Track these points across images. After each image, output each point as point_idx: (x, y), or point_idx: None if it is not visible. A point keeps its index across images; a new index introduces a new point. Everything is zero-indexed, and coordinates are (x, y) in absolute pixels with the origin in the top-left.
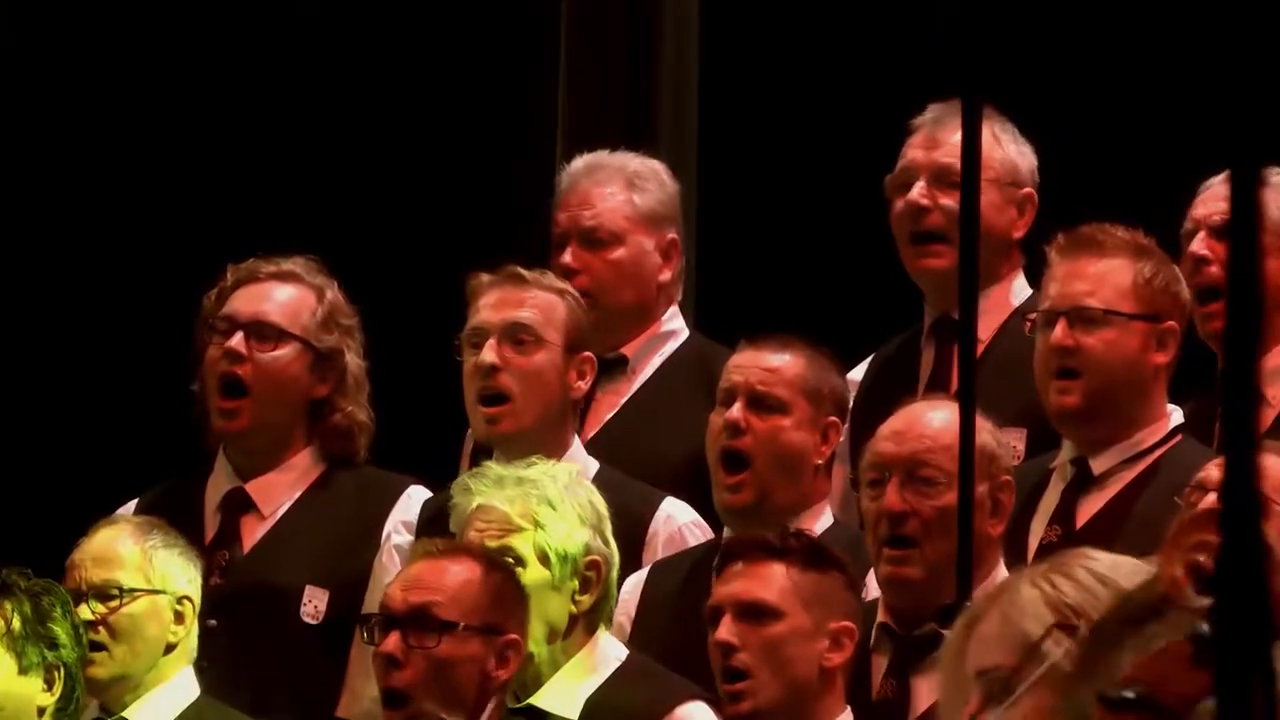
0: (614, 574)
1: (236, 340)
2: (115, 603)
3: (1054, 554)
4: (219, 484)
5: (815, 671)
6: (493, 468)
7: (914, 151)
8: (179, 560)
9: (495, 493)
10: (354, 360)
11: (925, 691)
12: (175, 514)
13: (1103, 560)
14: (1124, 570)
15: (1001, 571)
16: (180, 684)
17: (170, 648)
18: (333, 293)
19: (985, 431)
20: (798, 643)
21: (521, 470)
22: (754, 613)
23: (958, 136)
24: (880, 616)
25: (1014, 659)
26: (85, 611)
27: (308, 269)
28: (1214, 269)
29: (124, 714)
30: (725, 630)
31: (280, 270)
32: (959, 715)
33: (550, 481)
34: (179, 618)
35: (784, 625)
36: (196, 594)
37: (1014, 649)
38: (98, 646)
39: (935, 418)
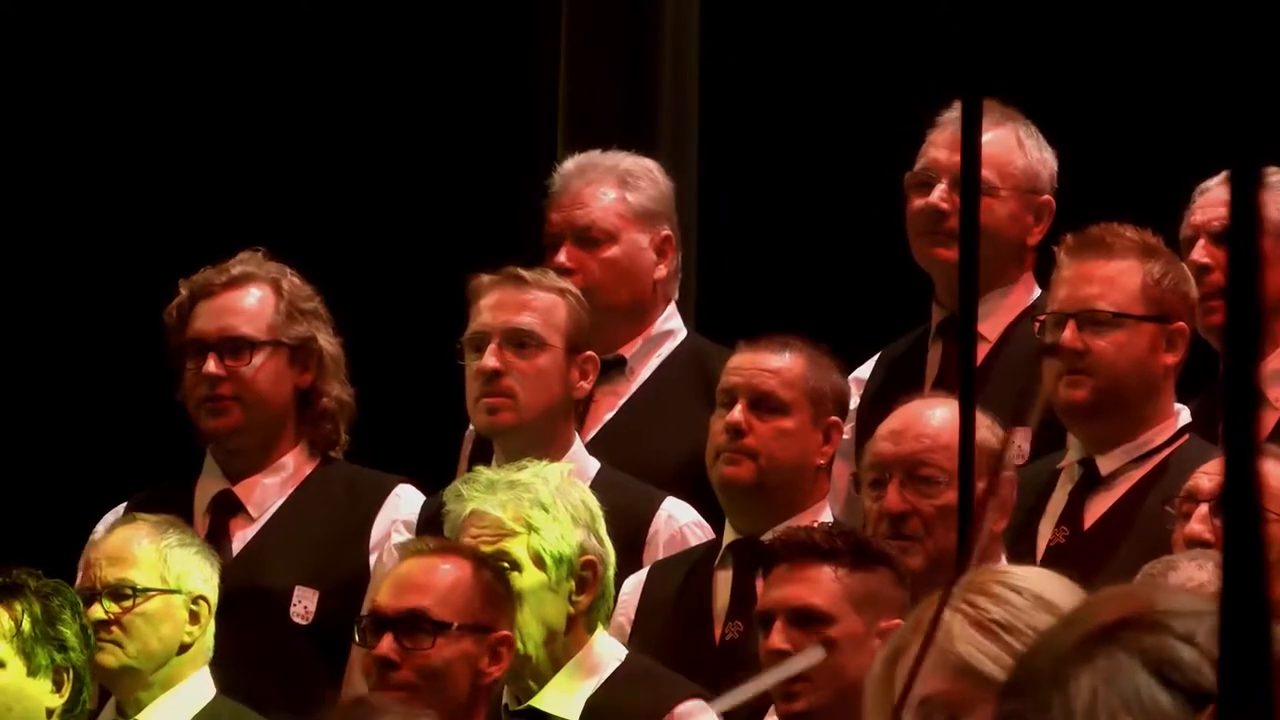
0: (610, 573)
1: (210, 365)
2: (129, 602)
3: (963, 579)
4: (207, 486)
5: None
6: (484, 473)
7: (937, 151)
8: (195, 559)
9: (487, 498)
10: (326, 340)
11: None
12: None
13: (1013, 571)
14: (1034, 579)
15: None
16: (196, 684)
17: (185, 648)
18: (288, 280)
19: (984, 428)
20: (851, 647)
21: (513, 474)
22: (805, 618)
23: (985, 139)
24: None
25: (952, 684)
26: (99, 610)
27: (258, 263)
28: (1217, 276)
29: (140, 715)
30: (778, 638)
31: (233, 276)
32: None
33: (542, 484)
34: (194, 618)
35: (836, 630)
36: (213, 594)
37: (952, 675)
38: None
39: (934, 416)
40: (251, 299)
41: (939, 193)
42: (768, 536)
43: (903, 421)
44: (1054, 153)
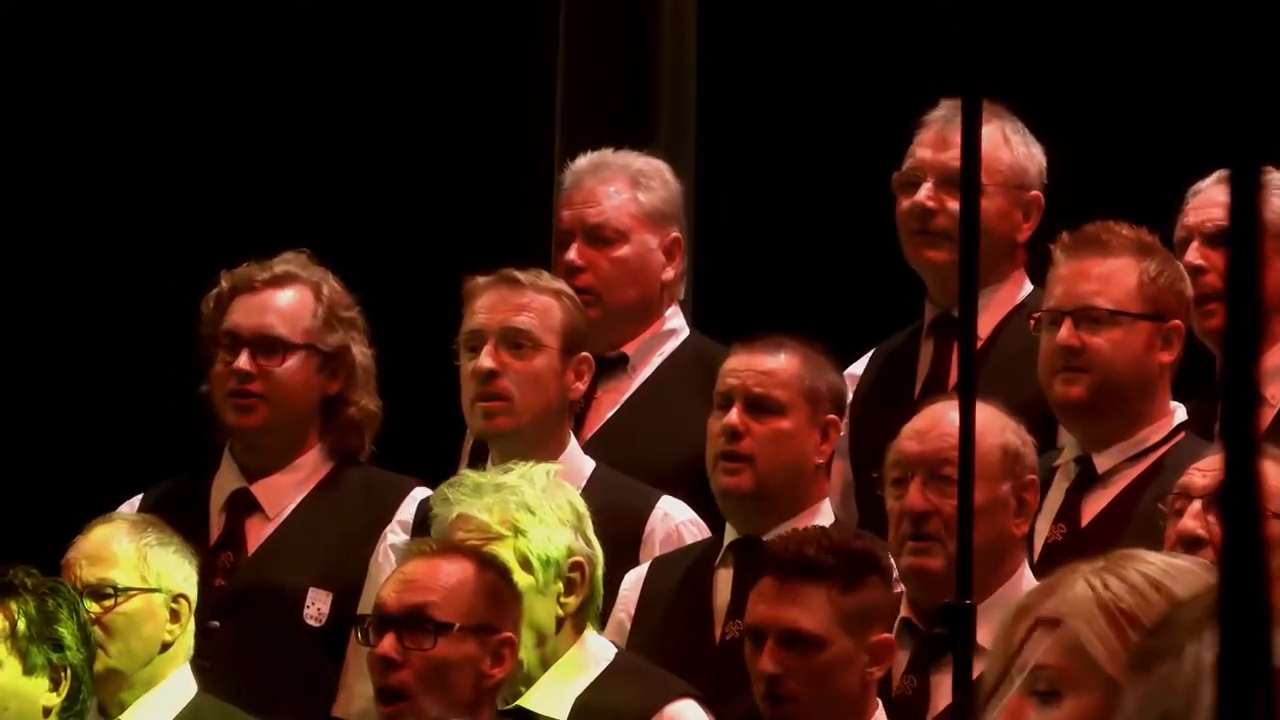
0: (599, 573)
1: (243, 360)
2: (110, 602)
3: (1111, 552)
4: (224, 484)
5: (858, 686)
6: (470, 476)
7: (923, 151)
8: (174, 558)
9: (473, 501)
10: (360, 351)
11: (945, 689)
12: (179, 513)
13: (1157, 564)
14: (1179, 576)
15: (1026, 570)
16: (177, 683)
17: (166, 646)
18: (329, 286)
19: (1010, 431)
20: (842, 667)
21: (499, 477)
22: (797, 641)
23: None
24: (902, 611)
25: (1061, 660)
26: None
27: (301, 265)
28: (1211, 277)
29: (122, 716)
30: (769, 662)
31: (275, 275)
32: (998, 693)
33: (528, 486)
34: (175, 616)
35: (829, 654)
36: (193, 592)
37: (1063, 650)
38: None
39: (958, 417)
40: (291, 300)
41: (925, 191)
42: (769, 536)
43: (927, 421)
44: (1042, 149)
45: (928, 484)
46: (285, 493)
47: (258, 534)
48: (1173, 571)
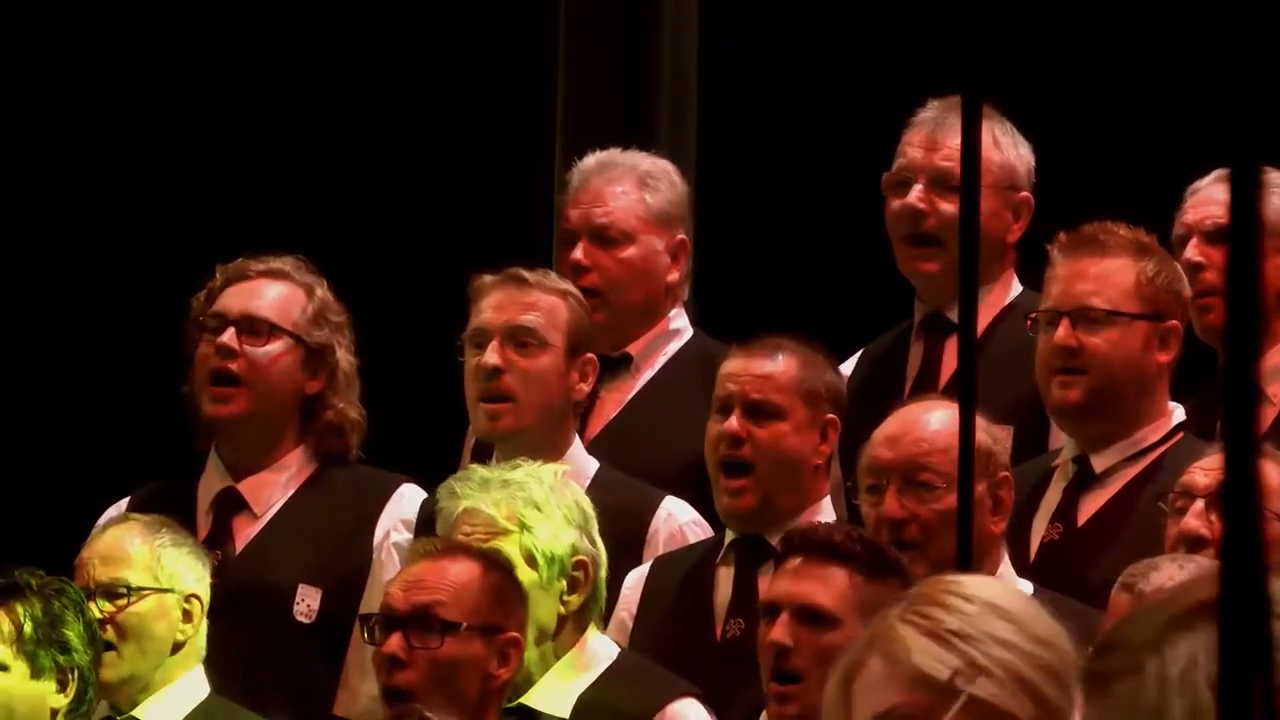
0: (602, 573)
1: (228, 336)
2: (123, 601)
3: (912, 592)
4: (210, 483)
5: None
6: (478, 470)
7: (913, 151)
8: (188, 558)
9: (481, 496)
10: (345, 357)
11: None
12: (167, 514)
13: (961, 581)
14: (983, 587)
15: (1005, 568)
16: (190, 683)
17: (178, 646)
18: (322, 290)
19: (980, 429)
20: None
21: (507, 473)
22: (812, 617)
23: (959, 139)
24: None
25: (913, 696)
26: (93, 610)
27: (297, 268)
28: (1210, 275)
29: (134, 713)
30: (781, 632)
31: (270, 268)
32: None
33: (536, 483)
34: (187, 616)
35: (840, 634)
36: (205, 592)
37: (910, 686)
38: (107, 646)
39: (931, 420)
40: (283, 291)
41: (915, 194)
42: (773, 537)
43: (900, 426)
44: (1033, 148)
45: (903, 491)
46: (272, 490)
47: (245, 532)
48: (974, 583)
